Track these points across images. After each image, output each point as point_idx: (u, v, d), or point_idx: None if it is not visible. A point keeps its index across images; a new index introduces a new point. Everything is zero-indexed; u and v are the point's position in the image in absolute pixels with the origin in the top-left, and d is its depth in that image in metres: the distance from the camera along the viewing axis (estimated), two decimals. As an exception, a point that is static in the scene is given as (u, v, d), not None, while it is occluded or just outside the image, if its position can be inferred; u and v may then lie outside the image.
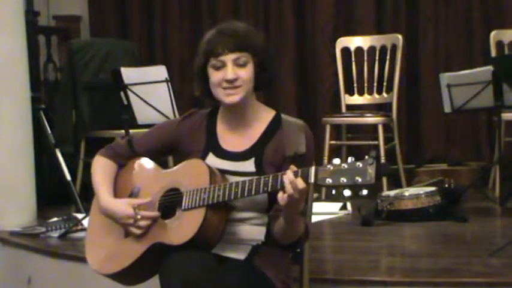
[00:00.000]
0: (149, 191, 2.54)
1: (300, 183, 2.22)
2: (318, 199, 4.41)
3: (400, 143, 5.12)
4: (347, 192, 2.17)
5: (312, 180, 2.21)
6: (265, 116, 2.53)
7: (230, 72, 2.42)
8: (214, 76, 2.45)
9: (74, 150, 5.18)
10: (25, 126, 4.33)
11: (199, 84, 2.52)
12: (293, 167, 2.25)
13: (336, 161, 2.20)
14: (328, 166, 2.20)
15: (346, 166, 2.17)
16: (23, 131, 4.31)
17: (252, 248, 2.44)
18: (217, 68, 2.44)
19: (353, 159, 2.18)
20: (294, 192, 2.22)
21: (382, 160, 4.70)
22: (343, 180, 2.16)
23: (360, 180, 2.15)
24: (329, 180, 2.18)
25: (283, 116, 2.52)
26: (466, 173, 5.23)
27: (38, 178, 4.39)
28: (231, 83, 2.42)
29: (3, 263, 4.06)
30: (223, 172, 2.46)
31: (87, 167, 4.87)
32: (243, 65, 2.43)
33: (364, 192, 2.16)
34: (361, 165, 2.16)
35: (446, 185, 4.31)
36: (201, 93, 2.54)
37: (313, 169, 2.22)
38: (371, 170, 2.14)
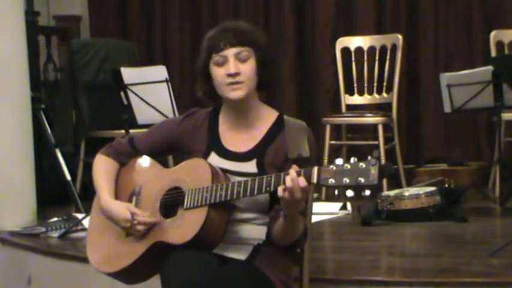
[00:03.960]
0: (151, 190, 2.54)
1: (302, 182, 2.21)
2: (318, 199, 4.42)
3: (400, 143, 5.12)
4: (349, 193, 2.16)
5: (315, 180, 2.20)
6: (268, 116, 2.53)
7: (232, 66, 2.42)
8: (217, 73, 2.45)
9: (74, 150, 5.18)
10: (25, 126, 4.33)
11: (202, 83, 2.52)
12: (295, 167, 2.25)
13: (339, 161, 2.18)
14: (331, 166, 2.18)
15: (349, 166, 2.16)
16: (23, 131, 4.31)
17: (253, 248, 2.44)
18: (220, 64, 2.44)
19: (356, 159, 2.16)
20: (295, 191, 2.22)
21: (383, 160, 4.70)
22: (346, 180, 2.15)
23: (362, 180, 2.14)
24: (332, 181, 2.17)
25: (285, 117, 2.51)
26: (466, 173, 5.23)
27: (38, 178, 4.39)
28: (234, 77, 2.42)
29: (3, 263, 4.06)
30: (225, 171, 2.46)
31: (87, 167, 4.89)
32: (245, 60, 2.43)
33: (367, 192, 2.15)
34: (364, 165, 2.14)
35: (446, 185, 4.31)
36: (204, 93, 2.54)
37: (315, 169, 2.21)
38: (374, 171, 2.13)
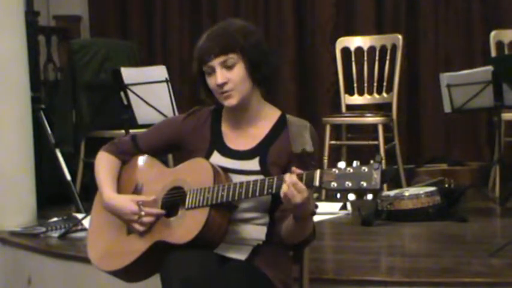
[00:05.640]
0: (152, 189, 2.54)
1: (303, 187, 2.21)
2: (318, 199, 4.42)
3: (400, 143, 5.12)
4: (351, 196, 2.17)
5: (317, 183, 2.20)
6: (270, 115, 2.53)
7: (219, 76, 2.42)
8: (210, 82, 2.46)
9: (74, 150, 5.18)
10: (25, 126, 4.33)
11: (201, 88, 2.53)
12: (297, 170, 2.24)
13: (341, 164, 2.18)
14: (333, 170, 2.18)
15: (351, 170, 2.16)
16: (23, 131, 4.31)
17: (253, 249, 2.44)
18: (209, 74, 2.45)
19: (358, 163, 2.16)
20: (296, 195, 2.22)
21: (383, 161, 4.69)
22: (349, 184, 2.15)
23: (365, 184, 2.14)
24: (334, 184, 2.18)
25: (288, 116, 2.52)
26: (466, 173, 5.23)
27: (38, 178, 4.39)
28: (222, 87, 2.42)
29: (3, 263, 4.06)
30: (228, 170, 2.46)
31: (87, 167, 4.89)
32: (232, 67, 2.42)
33: (369, 196, 2.16)
34: (366, 169, 2.15)
35: (446, 185, 4.31)
36: (205, 96, 2.55)
37: (318, 172, 2.21)
38: (376, 175, 2.13)
